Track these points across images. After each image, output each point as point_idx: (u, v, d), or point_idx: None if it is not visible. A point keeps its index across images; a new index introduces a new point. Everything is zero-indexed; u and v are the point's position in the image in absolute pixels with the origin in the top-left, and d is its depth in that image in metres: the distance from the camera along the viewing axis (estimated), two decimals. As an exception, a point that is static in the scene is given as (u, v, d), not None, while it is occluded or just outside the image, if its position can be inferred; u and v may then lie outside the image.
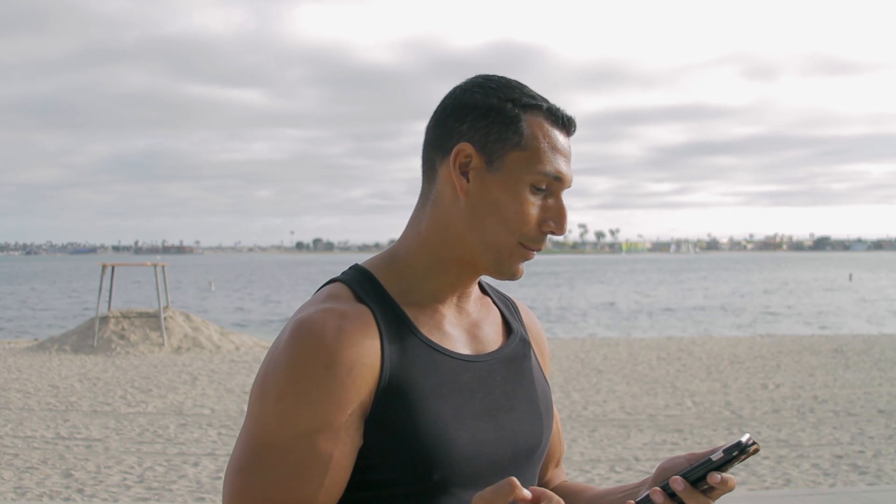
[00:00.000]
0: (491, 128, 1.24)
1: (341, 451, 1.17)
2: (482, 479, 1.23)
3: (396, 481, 1.19)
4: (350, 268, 1.33)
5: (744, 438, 1.15)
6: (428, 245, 1.29)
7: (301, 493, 1.16)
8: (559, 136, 1.27)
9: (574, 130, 1.30)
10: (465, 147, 1.25)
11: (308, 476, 1.16)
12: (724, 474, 1.15)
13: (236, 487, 1.18)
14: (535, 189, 1.25)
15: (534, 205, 1.25)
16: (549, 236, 1.28)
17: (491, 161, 1.24)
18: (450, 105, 1.29)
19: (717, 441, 9.09)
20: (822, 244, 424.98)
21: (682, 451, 8.62)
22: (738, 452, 1.14)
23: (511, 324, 1.40)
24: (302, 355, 1.17)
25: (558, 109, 1.28)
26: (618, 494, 1.34)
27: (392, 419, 1.19)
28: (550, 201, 1.27)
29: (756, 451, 1.16)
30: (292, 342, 1.19)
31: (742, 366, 15.72)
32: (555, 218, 1.27)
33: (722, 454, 1.15)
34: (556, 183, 1.26)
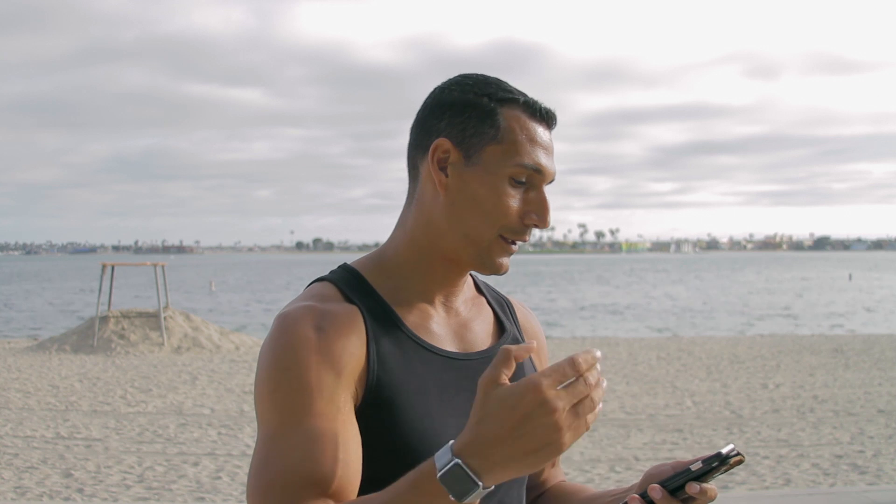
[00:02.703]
0: (468, 123, 1.25)
1: (346, 429, 1.16)
2: None
3: (381, 477, 1.18)
4: (338, 267, 1.33)
5: (725, 449, 1.14)
6: (414, 243, 1.30)
7: (319, 473, 1.13)
8: (538, 129, 1.26)
9: (555, 124, 1.30)
10: (443, 142, 1.25)
11: (321, 456, 1.14)
12: (703, 485, 1.14)
13: (256, 487, 1.16)
14: (515, 182, 1.24)
15: (514, 197, 1.25)
16: (533, 230, 1.28)
17: (469, 155, 1.25)
18: (429, 104, 1.30)
19: (716, 441, 9.09)
20: (821, 244, 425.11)
21: (681, 450, 8.63)
22: (718, 463, 1.13)
23: (504, 323, 1.40)
24: (289, 346, 1.17)
25: (536, 102, 1.27)
26: (608, 498, 1.34)
27: (379, 415, 1.19)
28: (532, 194, 1.26)
29: (740, 462, 1.14)
30: (277, 337, 1.19)
31: (742, 366, 15.72)
32: (537, 210, 1.26)
33: (701, 464, 1.14)
34: (537, 175, 1.25)
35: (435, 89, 1.31)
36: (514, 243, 1.28)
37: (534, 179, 1.26)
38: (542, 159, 1.26)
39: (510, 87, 1.28)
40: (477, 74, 1.30)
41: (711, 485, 1.16)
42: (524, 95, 1.27)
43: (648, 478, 1.23)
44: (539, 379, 0.98)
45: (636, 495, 1.17)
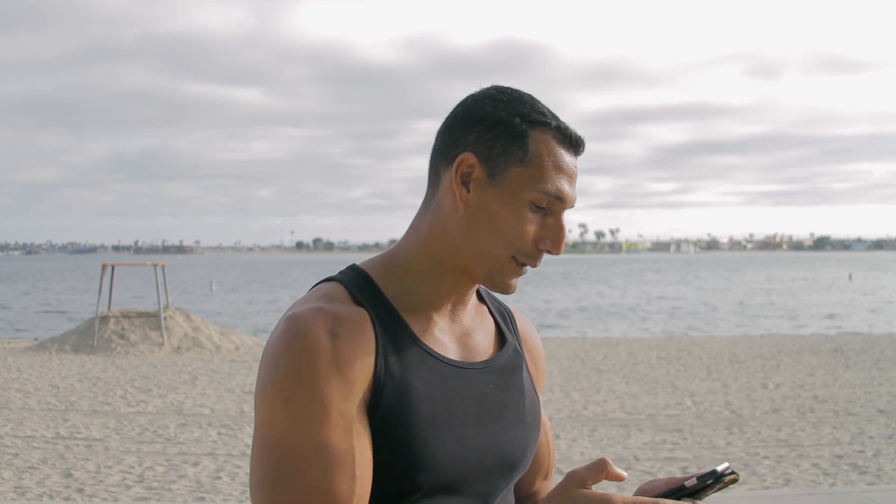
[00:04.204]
0: (496, 141, 1.24)
1: (361, 442, 1.16)
2: (464, 485, 1.24)
3: (380, 480, 1.19)
4: (347, 268, 1.33)
5: (720, 467, 1.14)
6: (426, 250, 1.29)
7: (339, 492, 1.14)
8: (565, 156, 1.26)
9: (582, 150, 1.30)
10: (469, 157, 1.25)
11: (340, 473, 1.14)
12: (697, 502, 1.15)
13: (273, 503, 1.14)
14: (536, 207, 1.24)
15: (532, 222, 1.25)
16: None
17: (493, 174, 1.24)
18: (460, 114, 1.29)
19: (716, 441, 9.09)
20: (822, 244, 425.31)
21: (681, 451, 8.63)
22: (712, 481, 1.14)
23: (505, 334, 1.40)
24: (301, 353, 1.16)
25: (567, 128, 1.27)
26: None
27: (384, 419, 1.19)
28: (550, 220, 1.26)
29: (734, 480, 1.15)
30: (288, 340, 1.18)
31: (742, 366, 15.72)
32: (552, 237, 1.26)
33: (696, 481, 1.15)
34: (557, 202, 1.25)
35: (468, 98, 1.30)
36: (526, 265, 1.28)
37: (554, 206, 1.26)
38: (566, 187, 1.26)
39: (544, 108, 1.28)
40: (512, 90, 1.29)
41: (704, 502, 1.16)
42: (556, 119, 1.27)
43: (641, 493, 1.23)
44: (617, 500, 1.11)
45: None
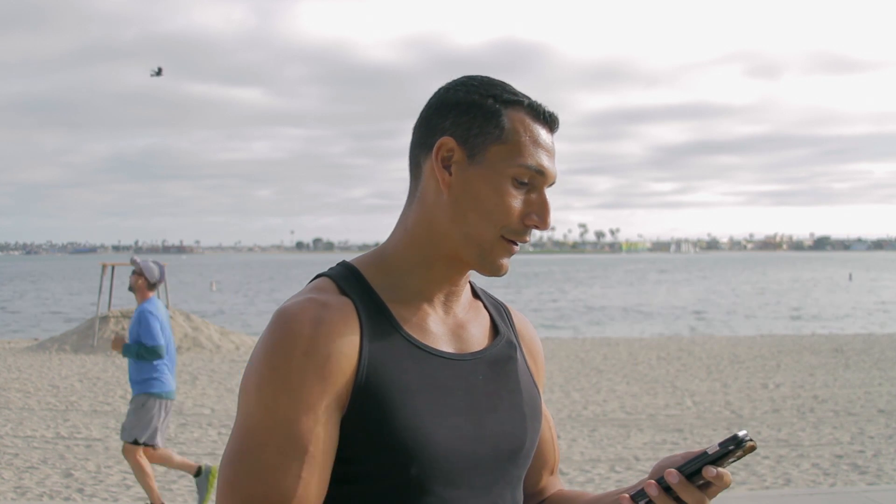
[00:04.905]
0: (472, 122, 1.26)
1: (318, 443, 1.17)
2: (461, 477, 1.23)
3: (374, 475, 1.20)
4: (338, 264, 1.34)
5: (740, 433, 1.15)
6: (415, 242, 1.30)
7: (281, 485, 1.15)
8: (541, 132, 1.28)
9: (557, 127, 1.32)
10: (448, 141, 1.27)
11: (286, 468, 1.15)
12: (719, 469, 1.15)
13: (224, 482, 1.18)
14: (518, 183, 1.26)
15: (516, 198, 1.26)
16: (533, 230, 1.29)
17: (473, 155, 1.26)
18: (434, 104, 1.31)
19: (716, 441, 9.08)
20: (822, 244, 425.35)
21: (682, 450, 8.62)
22: (733, 447, 1.14)
23: (499, 326, 1.40)
24: (280, 343, 1.18)
25: (540, 105, 1.29)
26: (614, 496, 1.34)
27: (369, 412, 1.19)
28: (533, 196, 1.28)
29: (752, 448, 1.15)
30: (271, 331, 1.20)
31: (742, 366, 15.72)
32: (538, 212, 1.27)
33: (718, 447, 1.15)
34: (539, 177, 1.27)
35: (440, 89, 1.32)
36: (516, 244, 1.29)
37: (536, 181, 1.27)
38: (545, 161, 1.27)
39: (515, 89, 1.30)
40: (482, 76, 1.32)
41: (727, 471, 1.16)
42: (528, 98, 1.29)
43: (660, 468, 1.23)
44: None
45: (652, 481, 1.18)
